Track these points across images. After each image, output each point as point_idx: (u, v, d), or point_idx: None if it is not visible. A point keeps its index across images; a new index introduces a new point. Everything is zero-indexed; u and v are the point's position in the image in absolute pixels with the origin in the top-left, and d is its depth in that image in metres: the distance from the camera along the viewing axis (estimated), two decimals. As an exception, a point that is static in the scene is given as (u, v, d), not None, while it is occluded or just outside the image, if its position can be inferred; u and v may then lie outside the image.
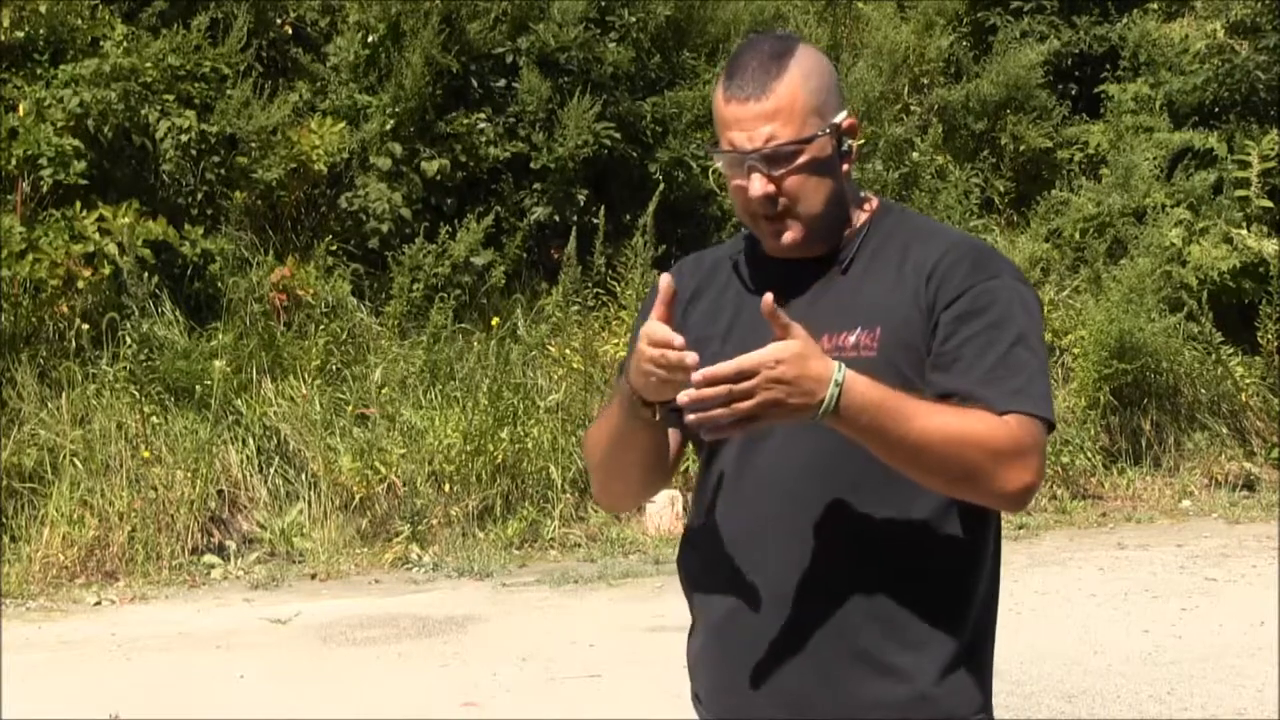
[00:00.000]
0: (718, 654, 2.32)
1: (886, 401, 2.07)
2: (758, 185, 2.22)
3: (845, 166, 2.28)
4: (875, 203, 2.36)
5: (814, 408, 2.02)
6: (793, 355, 2.01)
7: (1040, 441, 2.16)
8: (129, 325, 8.60)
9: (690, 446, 2.41)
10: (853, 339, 2.23)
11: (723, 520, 2.32)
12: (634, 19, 10.59)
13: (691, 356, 2.06)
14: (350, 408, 8.89)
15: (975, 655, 2.27)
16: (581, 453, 8.93)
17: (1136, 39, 11.88)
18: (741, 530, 2.29)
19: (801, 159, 2.22)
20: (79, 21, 9.20)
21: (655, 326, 2.10)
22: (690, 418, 2.03)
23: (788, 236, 2.26)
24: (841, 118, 2.26)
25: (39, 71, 9.01)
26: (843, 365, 2.05)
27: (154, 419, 8.43)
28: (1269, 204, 11.15)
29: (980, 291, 2.21)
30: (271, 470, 8.63)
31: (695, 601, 2.39)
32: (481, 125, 10.13)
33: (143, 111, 9.03)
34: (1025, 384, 2.17)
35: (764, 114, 2.21)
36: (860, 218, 2.32)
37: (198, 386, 8.60)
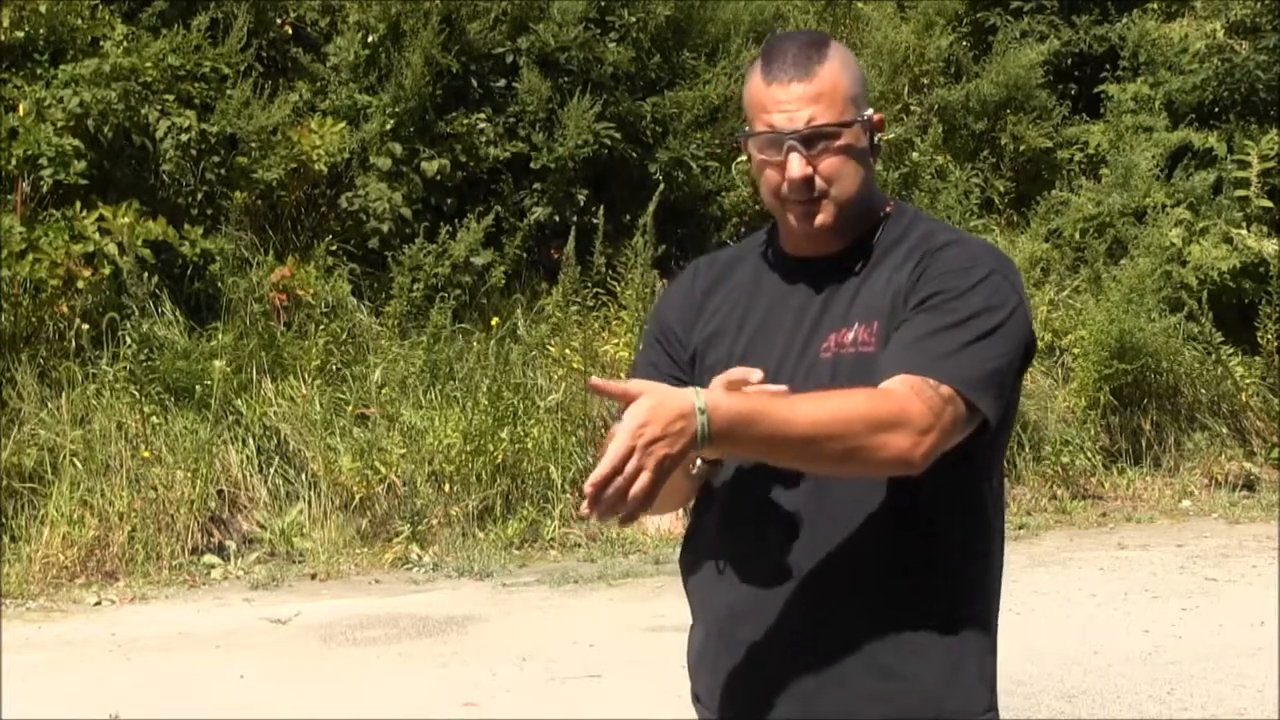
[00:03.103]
0: (718, 654, 2.32)
1: (756, 406, 2.05)
2: (796, 166, 2.23)
3: (873, 160, 2.31)
4: (892, 205, 2.37)
5: (693, 441, 2.00)
6: (649, 411, 1.98)
7: (935, 405, 2.10)
8: (129, 325, 8.60)
9: None
10: (851, 335, 2.24)
11: (725, 521, 2.32)
12: (634, 19, 10.59)
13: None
14: (350, 408, 8.89)
15: (979, 655, 2.27)
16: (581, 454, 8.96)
17: (1136, 39, 11.88)
18: (743, 532, 2.29)
19: (840, 142, 2.24)
20: (79, 21, 9.20)
21: None
22: (615, 520, 2.03)
23: (820, 219, 2.27)
24: (872, 113, 2.29)
25: (39, 71, 9.01)
26: (700, 391, 2.03)
27: (154, 419, 8.43)
28: (1269, 204, 11.15)
29: (951, 274, 2.21)
30: (271, 470, 8.62)
31: (696, 601, 2.39)
32: (481, 125, 10.13)
33: (143, 111, 9.03)
34: (944, 355, 2.13)
35: (807, 96, 2.23)
36: (877, 218, 2.33)
37: (198, 386, 8.60)
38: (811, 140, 2.23)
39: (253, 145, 9.45)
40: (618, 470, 1.97)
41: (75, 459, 8.15)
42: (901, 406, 2.08)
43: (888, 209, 2.35)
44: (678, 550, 2.46)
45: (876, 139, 2.29)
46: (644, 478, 1.98)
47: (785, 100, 2.23)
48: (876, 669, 2.22)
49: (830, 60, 2.25)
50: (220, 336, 8.82)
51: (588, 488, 1.99)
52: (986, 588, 2.30)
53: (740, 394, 2.08)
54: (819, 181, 2.25)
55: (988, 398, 2.15)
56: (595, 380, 2.07)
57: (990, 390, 2.16)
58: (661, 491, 2.27)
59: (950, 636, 2.23)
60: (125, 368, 8.50)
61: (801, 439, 2.06)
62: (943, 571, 2.24)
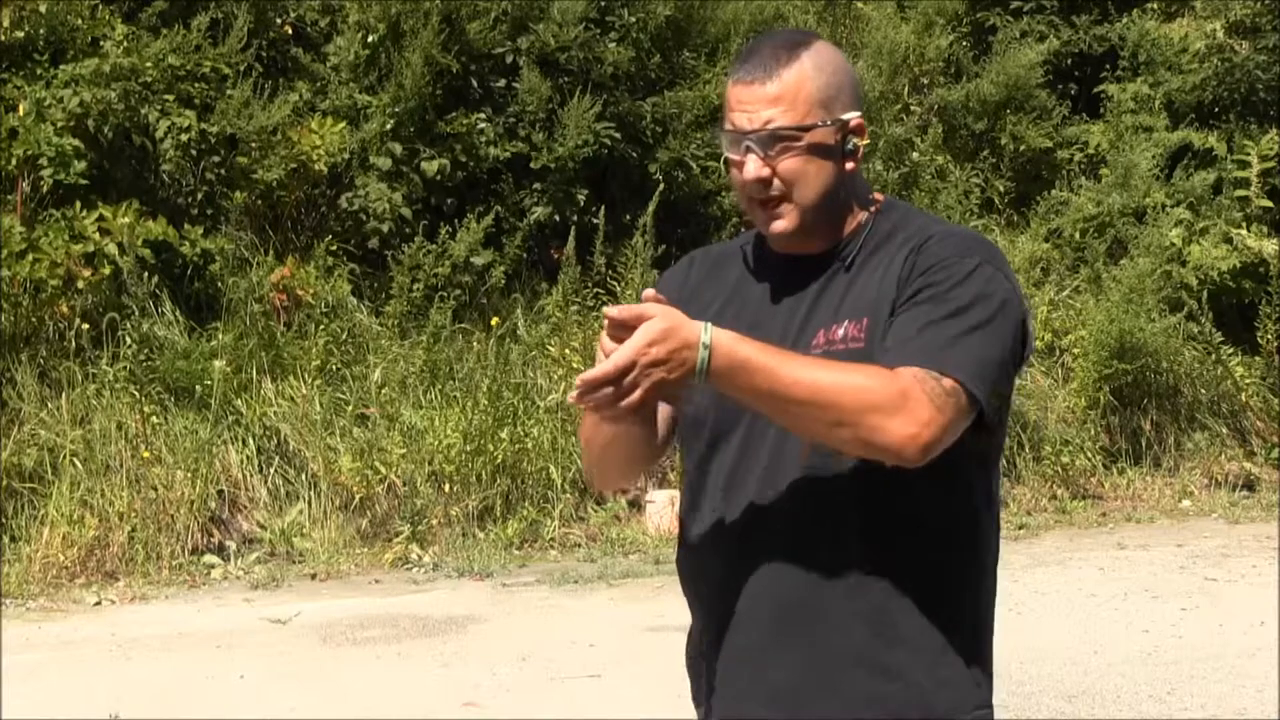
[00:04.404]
0: (713, 654, 2.32)
1: (757, 356, 2.09)
2: (752, 167, 2.24)
3: (850, 165, 2.29)
4: (882, 200, 2.37)
5: (691, 373, 2.07)
6: (660, 333, 2.05)
7: (938, 398, 2.10)
8: (129, 325, 8.60)
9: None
10: (841, 331, 2.24)
11: (717, 521, 2.32)
12: (634, 19, 10.58)
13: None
14: (350, 408, 8.89)
15: (970, 654, 2.27)
16: (580, 449, 8.95)
17: (1136, 39, 11.88)
18: (734, 531, 2.29)
19: (798, 145, 2.23)
20: (79, 21, 9.20)
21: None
22: (585, 407, 2.11)
23: (779, 224, 2.27)
24: (851, 117, 2.27)
25: (39, 71, 9.01)
26: (709, 326, 2.08)
27: (154, 419, 8.43)
28: (1269, 204, 11.15)
29: (941, 267, 2.21)
30: (271, 470, 8.63)
31: (692, 601, 2.40)
32: (481, 125, 10.13)
33: (143, 111, 9.03)
34: (943, 347, 2.14)
35: (767, 98, 2.23)
36: (864, 216, 2.33)
37: (198, 386, 8.60)
38: (769, 141, 2.23)
39: (253, 145, 9.45)
40: (612, 380, 2.04)
41: (75, 459, 8.15)
42: (903, 394, 2.09)
43: (876, 205, 2.34)
44: (675, 550, 2.46)
45: (852, 144, 2.28)
46: (635, 395, 2.06)
47: (748, 101, 2.24)
48: (864, 668, 2.21)
49: (799, 62, 2.24)
50: (220, 336, 8.82)
51: (579, 381, 2.06)
52: (977, 587, 2.30)
53: (751, 342, 2.11)
54: (778, 183, 2.25)
55: (984, 387, 2.16)
56: (610, 309, 2.09)
57: (987, 381, 2.17)
58: (630, 448, 2.32)
59: (937, 635, 2.23)
60: (125, 368, 8.50)
61: (796, 400, 2.09)
62: (930, 570, 2.24)
